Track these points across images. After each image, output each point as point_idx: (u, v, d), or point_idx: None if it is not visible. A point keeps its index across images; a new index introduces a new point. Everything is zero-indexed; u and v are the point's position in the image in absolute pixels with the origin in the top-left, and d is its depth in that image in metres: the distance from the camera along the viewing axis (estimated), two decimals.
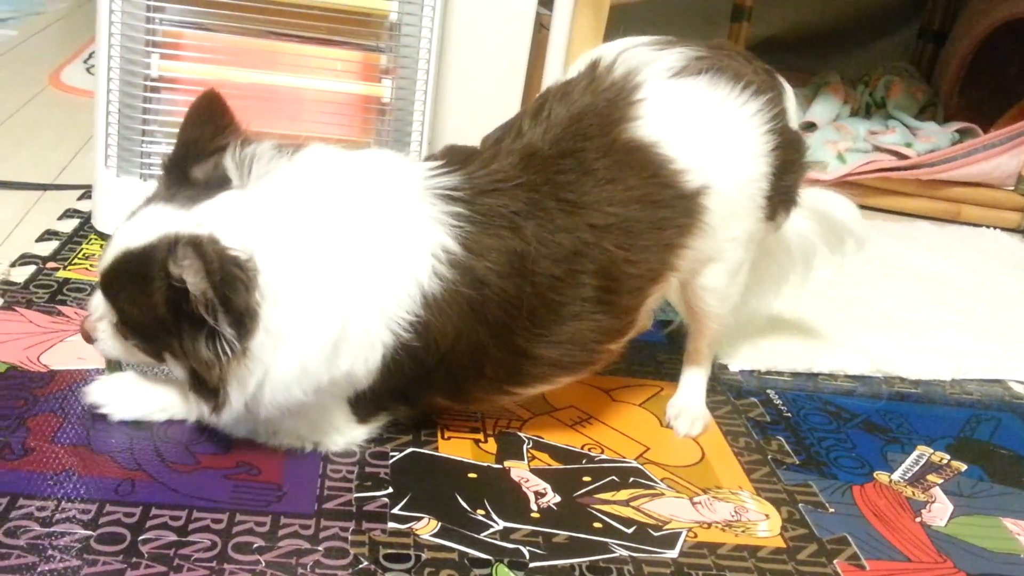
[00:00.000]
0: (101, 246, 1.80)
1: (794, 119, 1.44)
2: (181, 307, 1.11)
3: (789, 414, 1.57)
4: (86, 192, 2.00)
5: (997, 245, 2.65)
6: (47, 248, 1.76)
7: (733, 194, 1.34)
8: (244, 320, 1.10)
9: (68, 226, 1.87)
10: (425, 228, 1.20)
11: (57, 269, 1.68)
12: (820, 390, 1.68)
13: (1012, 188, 2.81)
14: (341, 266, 1.16)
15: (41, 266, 1.69)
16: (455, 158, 1.30)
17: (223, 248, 1.10)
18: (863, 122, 2.93)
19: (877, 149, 2.80)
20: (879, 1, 3.54)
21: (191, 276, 1.06)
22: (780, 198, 1.41)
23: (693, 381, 1.52)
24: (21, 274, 1.65)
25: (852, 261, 2.16)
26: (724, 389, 1.62)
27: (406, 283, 1.18)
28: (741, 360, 1.71)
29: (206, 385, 1.16)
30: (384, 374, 1.22)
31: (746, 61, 1.40)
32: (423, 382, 1.27)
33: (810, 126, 2.86)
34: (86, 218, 1.90)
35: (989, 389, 1.77)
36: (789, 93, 1.43)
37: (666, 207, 1.29)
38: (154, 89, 1.76)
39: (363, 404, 1.27)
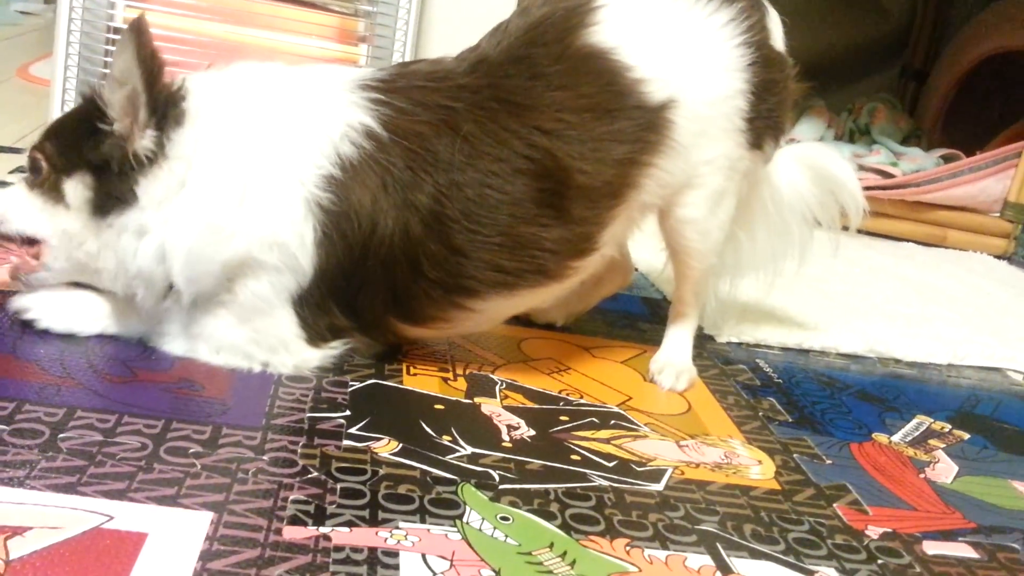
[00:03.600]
0: None
1: (778, 41, 1.34)
2: (94, 125, 1.12)
3: (780, 380, 1.47)
4: None
5: (985, 266, 2.59)
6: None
7: (704, 111, 1.25)
8: (168, 118, 1.11)
9: (17, 179, 1.76)
10: (341, 106, 1.18)
11: None
12: (811, 365, 1.58)
13: (998, 214, 2.76)
14: (256, 122, 1.16)
15: None
16: (404, 64, 1.27)
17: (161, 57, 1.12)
18: (847, 145, 2.89)
19: (862, 168, 2.74)
20: (862, 39, 3.54)
21: (121, 58, 1.08)
22: (764, 122, 1.31)
23: (678, 335, 1.42)
24: None
25: (839, 262, 2.10)
26: (711, 355, 1.52)
27: (318, 142, 1.15)
28: (728, 333, 1.61)
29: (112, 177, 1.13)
30: (320, 257, 1.13)
31: None
32: (361, 279, 1.17)
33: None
34: None
35: (987, 375, 1.68)
36: (773, 15, 1.35)
37: (624, 118, 1.20)
38: (118, 33, 1.68)
39: (309, 312, 1.16)
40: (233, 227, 1.10)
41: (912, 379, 1.60)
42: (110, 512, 0.85)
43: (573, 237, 1.21)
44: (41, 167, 1.15)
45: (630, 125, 1.20)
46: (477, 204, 1.16)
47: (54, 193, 1.14)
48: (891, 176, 2.69)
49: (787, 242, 1.52)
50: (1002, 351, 1.75)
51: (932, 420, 1.42)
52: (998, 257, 2.71)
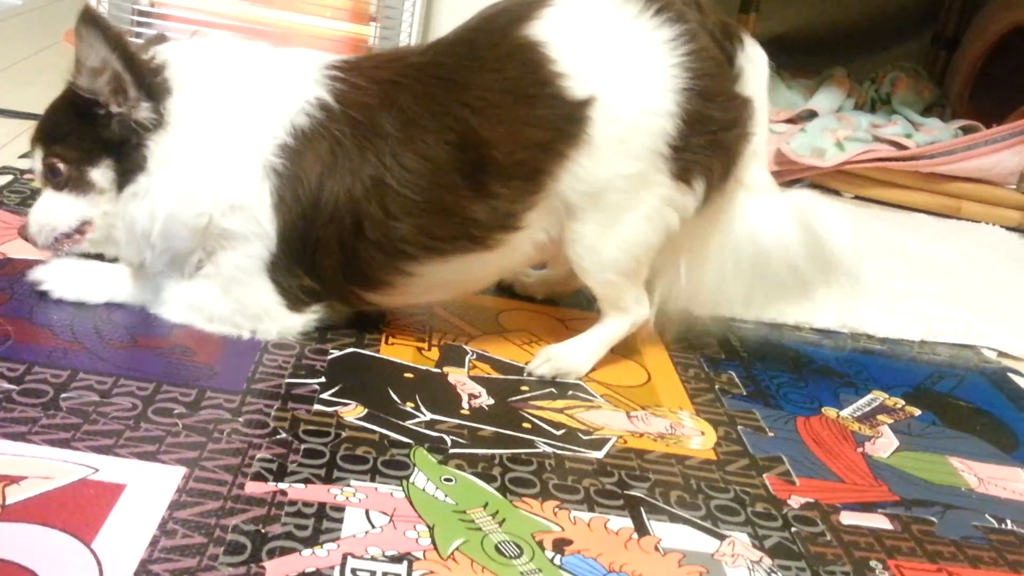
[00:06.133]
0: None
1: (755, 87, 1.35)
2: (90, 114, 1.24)
3: (745, 354, 1.56)
4: None
5: (995, 239, 2.61)
6: (28, 164, 1.79)
7: (626, 116, 1.27)
8: (155, 90, 1.23)
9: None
10: (303, 83, 1.29)
11: (34, 180, 1.71)
12: (784, 339, 1.66)
13: (1014, 187, 2.77)
14: (229, 97, 1.28)
15: (18, 176, 1.72)
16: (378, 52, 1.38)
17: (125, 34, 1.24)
18: (866, 115, 2.91)
19: (877, 140, 2.78)
20: (892, 5, 3.53)
21: (92, 50, 1.19)
22: (693, 157, 1.29)
23: (582, 337, 1.41)
24: None
25: None
26: (684, 327, 1.61)
27: (277, 115, 1.26)
28: (703, 306, 1.69)
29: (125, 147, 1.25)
30: (278, 221, 1.25)
31: (695, 6, 1.33)
32: (315, 241, 1.27)
33: (811, 114, 2.85)
34: None
35: (959, 352, 1.74)
36: (753, 56, 1.35)
37: (543, 106, 1.27)
38: (143, 15, 1.79)
39: (283, 277, 1.28)
40: (199, 192, 1.24)
41: (881, 355, 1.67)
42: (96, 465, 0.98)
43: (492, 210, 1.29)
44: (59, 168, 1.27)
45: (549, 113, 1.26)
46: (410, 172, 1.26)
47: (84, 185, 1.27)
48: (905, 148, 2.72)
49: (778, 285, 1.46)
50: (977, 328, 1.81)
51: (887, 396, 1.50)
52: (1011, 229, 2.73)
